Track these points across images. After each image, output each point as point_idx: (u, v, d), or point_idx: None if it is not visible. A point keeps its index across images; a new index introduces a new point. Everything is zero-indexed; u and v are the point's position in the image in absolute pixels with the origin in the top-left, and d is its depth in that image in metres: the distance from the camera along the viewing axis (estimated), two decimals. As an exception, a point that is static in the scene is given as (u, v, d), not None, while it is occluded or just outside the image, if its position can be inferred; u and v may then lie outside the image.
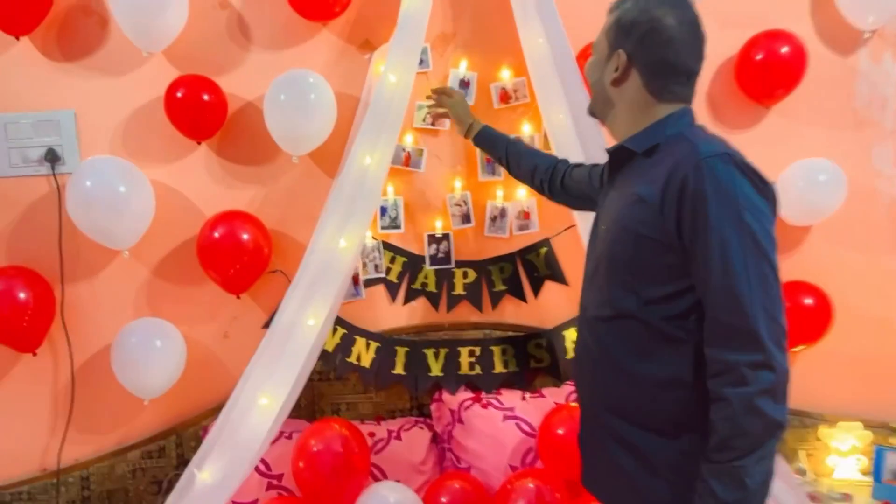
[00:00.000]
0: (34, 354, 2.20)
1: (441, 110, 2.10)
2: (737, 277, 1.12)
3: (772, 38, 2.21)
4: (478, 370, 2.34)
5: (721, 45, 2.30)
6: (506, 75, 2.30)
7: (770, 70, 2.20)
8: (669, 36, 1.24)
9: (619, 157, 1.36)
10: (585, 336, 1.40)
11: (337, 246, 1.97)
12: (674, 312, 1.22)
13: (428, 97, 2.12)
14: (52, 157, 2.22)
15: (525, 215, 2.36)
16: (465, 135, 2.04)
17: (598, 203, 1.46)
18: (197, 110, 2.14)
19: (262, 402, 1.90)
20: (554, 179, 1.85)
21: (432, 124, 2.28)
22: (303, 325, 1.94)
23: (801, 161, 2.29)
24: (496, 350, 2.35)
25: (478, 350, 2.34)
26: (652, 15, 1.25)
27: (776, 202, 1.19)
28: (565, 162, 1.88)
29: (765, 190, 1.17)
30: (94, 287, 2.28)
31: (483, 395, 2.30)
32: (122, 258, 2.21)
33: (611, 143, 1.40)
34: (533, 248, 2.37)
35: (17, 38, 2.15)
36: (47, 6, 2.13)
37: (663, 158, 1.24)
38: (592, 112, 1.41)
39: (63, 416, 2.28)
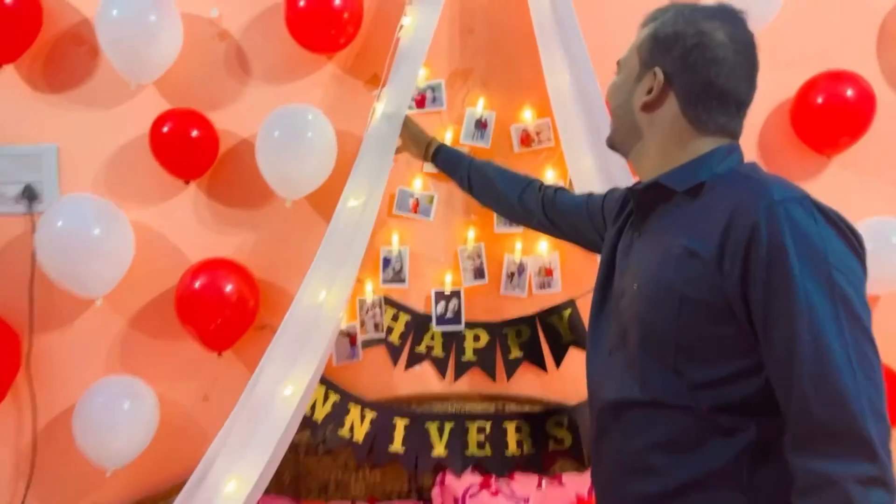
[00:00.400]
0: (-7, 411, 1.98)
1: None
2: (834, 360, 0.86)
3: (834, 79, 1.93)
4: (488, 450, 2.03)
5: (774, 86, 2.03)
6: (528, 116, 2.07)
7: (832, 115, 1.91)
8: (719, 55, 1.02)
9: (651, 197, 1.09)
10: (605, 424, 1.12)
11: (323, 301, 1.72)
12: (731, 400, 0.96)
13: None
14: (29, 194, 2.04)
15: (547, 272, 2.08)
16: (424, 157, 1.83)
17: (614, 252, 1.19)
18: (184, 147, 1.94)
19: (230, 487, 1.63)
20: (525, 197, 1.62)
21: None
22: (279, 394, 1.68)
23: (868, 220, 1.98)
24: (510, 427, 2.04)
25: (488, 426, 2.04)
26: (699, 28, 1.03)
27: (865, 258, 0.94)
28: (540, 183, 1.65)
29: (855, 243, 0.92)
30: (66, 338, 2.06)
31: (493, 479, 1.99)
32: (97, 307, 2.00)
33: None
34: (555, 311, 2.08)
35: (0, 66, 2.00)
36: (34, 33, 1.99)
37: (716, 201, 0.99)
38: (612, 143, 1.19)
39: (23, 481, 2.04)
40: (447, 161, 1.79)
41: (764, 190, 0.94)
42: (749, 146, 2.04)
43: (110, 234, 1.91)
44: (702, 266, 0.96)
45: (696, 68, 1.03)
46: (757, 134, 2.05)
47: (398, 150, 1.86)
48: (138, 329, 2.07)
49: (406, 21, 1.83)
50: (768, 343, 0.92)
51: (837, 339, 0.86)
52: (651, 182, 1.08)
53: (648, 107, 1.08)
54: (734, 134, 1.08)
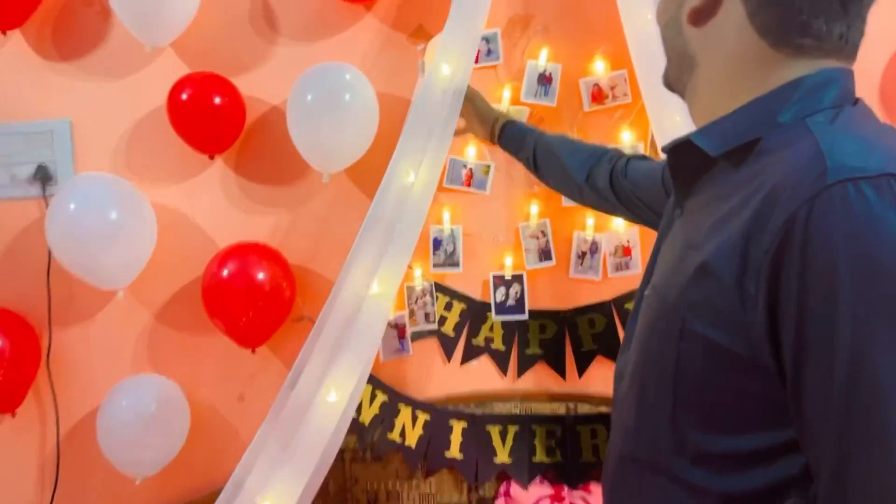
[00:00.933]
0: (13, 416, 1.81)
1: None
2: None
3: None
4: (558, 457, 1.77)
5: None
6: (599, 68, 1.76)
7: None
8: None
9: (684, 162, 0.77)
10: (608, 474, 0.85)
11: (367, 292, 1.48)
12: (751, 488, 0.67)
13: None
14: (42, 175, 1.84)
15: (625, 251, 1.79)
16: (490, 137, 1.53)
17: (659, 230, 0.89)
18: (206, 116, 1.71)
19: (266, 504, 1.41)
20: (594, 174, 1.31)
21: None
22: (322, 400, 1.44)
23: None
24: (583, 431, 1.77)
25: (558, 430, 1.78)
26: None
27: None
28: (617, 153, 1.33)
29: None
30: (88, 334, 1.87)
31: (565, 490, 1.73)
32: (119, 300, 1.81)
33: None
34: (634, 296, 1.79)
35: (4, 33, 1.80)
36: (39, -6, 1.78)
37: (763, 169, 0.65)
38: (668, 81, 0.84)
39: (48, 491, 1.87)
40: (513, 138, 1.49)
41: (819, 157, 0.59)
42: (869, 95, 1.70)
43: (130, 218, 1.70)
44: (716, 288, 0.64)
45: None
46: (878, 81, 1.70)
47: (460, 132, 1.60)
48: (165, 323, 1.87)
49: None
50: (803, 410, 0.61)
51: None
52: (680, 140, 0.75)
53: (697, 16, 0.73)
54: (841, 49, 0.68)
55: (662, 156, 1.60)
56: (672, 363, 0.70)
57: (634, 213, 1.26)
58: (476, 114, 1.54)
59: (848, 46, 0.69)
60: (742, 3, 0.69)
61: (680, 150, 0.76)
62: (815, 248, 0.56)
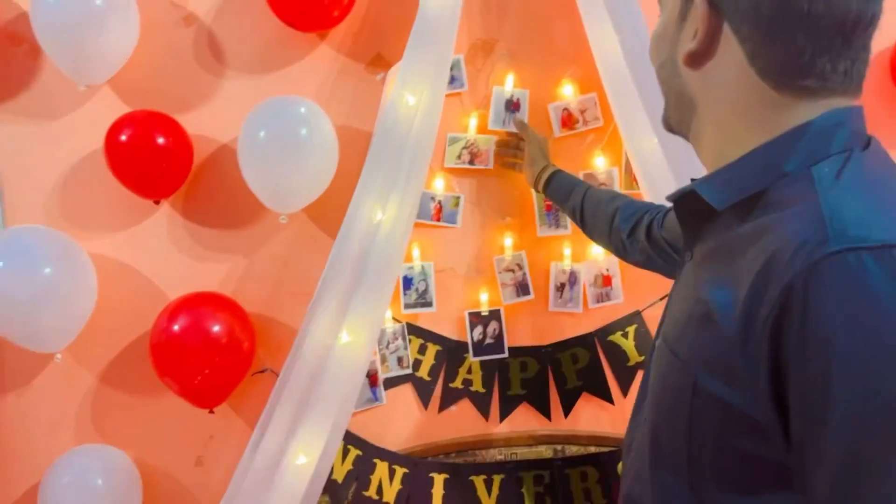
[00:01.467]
0: (-61, 499, 1.61)
1: (511, 159, 1.65)
2: None
3: None
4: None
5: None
6: (568, 92, 1.69)
7: None
8: None
9: (690, 210, 0.73)
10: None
11: (337, 341, 1.35)
12: None
13: (501, 141, 1.67)
14: (-33, 229, 1.67)
15: (605, 281, 1.70)
16: (535, 185, 1.53)
17: (675, 277, 0.85)
18: (150, 158, 1.57)
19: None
20: (636, 229, 1.24)
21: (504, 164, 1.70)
22: (289, 464, 1.30)
23: None
24: (573, 474, 1.66)
25: (546, 475, 1.66)
26: None
27: None
28: (659, 207, 1.26)
29: None
30: (25, 403, 1.69)
31: (558, 540, 1.62)
32: (57, 363, 1.64)
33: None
34: (618, 327, 1.71)
35: (-81, 77, 1.64)
36: (-41, 33, 1.62)
37: (768, 227, 0.61)
38: (668, 123, 0.79)
39: (-18, 581, 1.67)
40: (560, 188, 1.49)
41: (823, 222, 0.56)
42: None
43: (66, 273, 1.55)
44: (726, 347, 0.61)
45: None
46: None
47: (513, 166, 1.66)
48: (111, 385, 1.70)
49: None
50: (804, 477, 0.58)
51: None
52: (684, 191, 0.71)
53: (694, 59, 0.69)
54: (847, 87, 0.64)
55: (644, 185, 1.55)
56: (685, 419, 0.66)
57: (671, 264, 1.16)
58: (532, 157, 1.56)
59: (854, 82, 0.65)
60: (740, 45, 0.65)
61: (685, 199, 0.72)
62: (813, 321, 0.54)
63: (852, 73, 0.64)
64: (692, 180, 0.72)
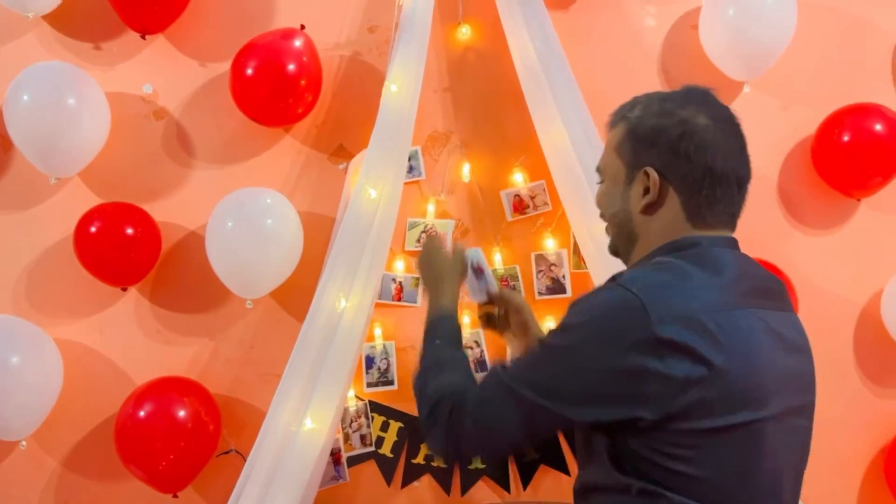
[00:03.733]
0: None
1: (491, 311, 1.32)
2: None
3: (859, 113, 1.73)
4: (510, 579, 1.70)
5: (789, 125, 1.82)
6: (519, 179, 1.81)
7: (861, 153, 1.70)
8: (707, 138, 0.93)
9: None
10: None
11: (301, 427, 1.40)
12: None
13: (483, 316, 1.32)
14: (-67, 319, 1.69)
15: (558, 357, 1.79)
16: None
17: None
18: (118, 249, 1.63)
19: None
20: None
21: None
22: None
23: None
24: (532, 548, 1.72)
25: (507, 550, 1.71)
26: (679, 117, 0.94)
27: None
28: None
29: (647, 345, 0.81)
30: (-14, 490, 1.69)
31: None
32: (21, 450, 1.65)
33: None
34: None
35: None
36: (-68, 128, 1.68)
37: None
38: (616, 251, 1.05)
39: None
40: None
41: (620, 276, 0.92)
42: (768, 194, 1.82)
43: (31, 361, 1.58)
44: None
45: (689, 157, 0.92)
46: (776, 180, 1.83)
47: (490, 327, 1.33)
48: (74, 471, 1.72)
49: (393, 87, 1.58)
50: None
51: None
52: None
53: (650, 208, 0.96)
54: (732, 223, 0.97)
55: (590, 266, 1.66)
56: None
57: None
58: (521, 327, 1.28)
59: (735, 220, 0.97)
60: (678, 196, 0.94)
61: None
62: None
63: (739, 209, 0.97)
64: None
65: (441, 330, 1.13)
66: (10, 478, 1.70)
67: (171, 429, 1.57)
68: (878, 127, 1.70)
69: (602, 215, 1.04)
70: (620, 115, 1.01)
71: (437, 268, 1.24)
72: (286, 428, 1.42)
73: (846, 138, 1.71)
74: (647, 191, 0.95)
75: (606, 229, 1.04)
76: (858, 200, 1.81)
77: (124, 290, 1.72)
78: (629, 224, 0.98)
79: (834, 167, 1.76)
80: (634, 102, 1.01)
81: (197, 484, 1.68)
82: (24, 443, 1.62)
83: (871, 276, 1.80)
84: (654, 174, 0.94)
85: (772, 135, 1.82)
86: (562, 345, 0.89)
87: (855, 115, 1.73)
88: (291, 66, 1.64)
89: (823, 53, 1.82)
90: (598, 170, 1.04)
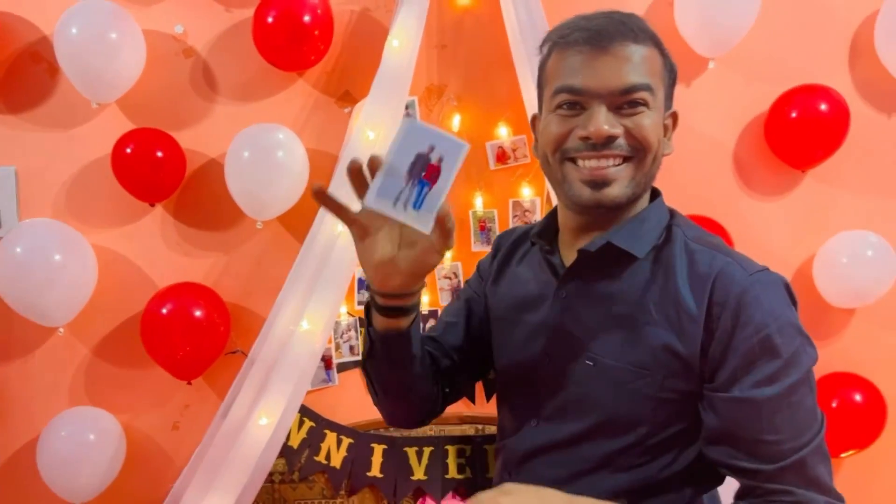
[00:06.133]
0: (-50, 446, 1.89)
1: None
2: None
3: (808, 93, 1.93)
4: (468, 473, 1.98)
5: (748, 100, 2.02)
6: (503, 132, 2.03)
7: (807, 129, 1.91)
8: None
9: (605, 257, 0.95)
10: None
11: (298, 328, 1.67)
12: None
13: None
14: (-14, 219, 1.95)
15: (525, 291, 2.04)
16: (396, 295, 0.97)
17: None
18: (149, 168, 1.87)
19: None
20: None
21: None
22: (253, 424, 1.62)
23: (843, 233, 1.97)
24: (490, 449, 2.00)
25: (468, 449, 2.00)
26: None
27: None
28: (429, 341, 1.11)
29: None
30: (27, 369, 1.98)
31: (474, 503, 1.95)
32: (59, 336, 1.92)
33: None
34: (534, 329, 2.05)
35: (-47, 87, 1.92)
36: (-11, 52, 1.91)
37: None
38: (627, 199, 0.92)
39: (-19, 520, 1.95)
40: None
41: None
42: (724, 161, 2.04)
43: (71, 260, 1.84)
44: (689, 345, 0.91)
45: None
46: (732, 149, 2.04)
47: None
48: (103, 358, 1.99)
49: (395, 42, 1.78)
50: None
51: None
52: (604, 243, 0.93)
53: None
54: None
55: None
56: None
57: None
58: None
59: None
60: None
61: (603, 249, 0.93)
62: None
63: None
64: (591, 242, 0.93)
65: None
66: (48, 360, 1.98)
67: (188, 326, 1.84)
68: (823, 106, 1.90)
69: (643, 147, 0.89)
70: (646, 31, 0.90)
71: None
72: (285, 328, 1.69)
73: (794, 115, 1.92)
74: (666, 133, 0.94)
75: (623, 170, 0.90)
76: (803, 172, 2.03)
77: (152, 205, 1.97)
78: (656, 166, 0.93)
79: (782, 141, 1.97)
80: (641, 21, 0.90)
81: (207, 375, 1.96)
82: (61, 329, 1.89)
83: (808, 241, 2.02)
84: (676, 116, 0.95)
85: (732, 108, 2.02)
86: (803, 378, 0.86)
87: (804, 95, 1.92)
88: (307, 17, 1.85)
89: (784, 35, 2.00)
90: (641, 87, 0.87)
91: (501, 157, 2.04)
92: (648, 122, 0.89)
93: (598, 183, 0.90)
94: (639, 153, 0.90)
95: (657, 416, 0.90)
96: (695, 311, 0.88)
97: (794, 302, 0.90)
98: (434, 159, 0.75)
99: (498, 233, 2.04)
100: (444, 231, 0.78)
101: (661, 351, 0.89)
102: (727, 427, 0.87)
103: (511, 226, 2.04)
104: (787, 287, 0.91)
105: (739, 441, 0.86)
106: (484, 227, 2.04)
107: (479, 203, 2.04)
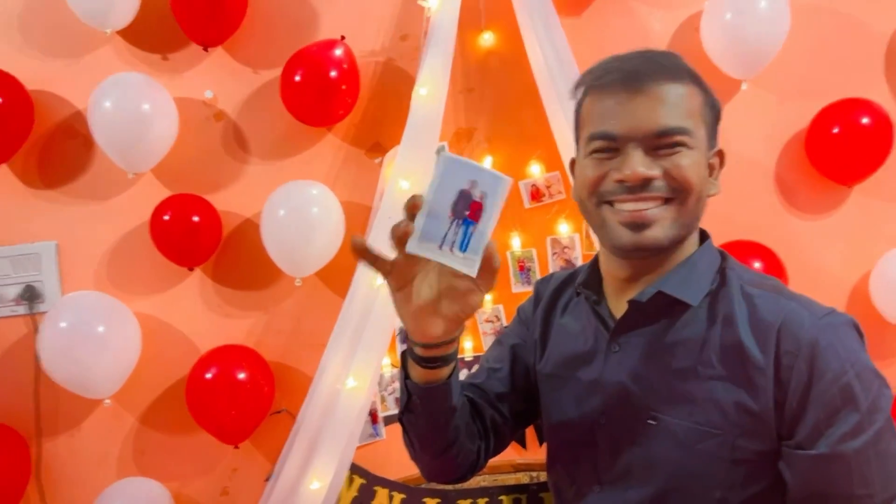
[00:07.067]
0: (3, 527, 1.87)
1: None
2: None
3: (849, 107, 1.87)
4: (527, 524, 1.91)
5: (784, 119, 1.97)
6: (536, 170, 2.01)
7: (851, 144, 1.85)
8: None
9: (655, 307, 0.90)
10: None
11: (344, 386, 1.64)
12: None
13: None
14: (30, 294, 1.97)
15: (570, 330, 1.99)
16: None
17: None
18: (186, 234, 1.88)
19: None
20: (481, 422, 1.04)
21: None
22: (305, 489, 1.58)
23: (897, 249, 1.90)
24: (547, 498, 1.93)
25: (523, 499, 1.92)
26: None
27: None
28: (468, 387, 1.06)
29: None
30: (75, 442, 1.97)
31: (535, 555, 1.87)
32: (105, 407, 1.92)
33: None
34: (583, 369, 1.99)
35: (-7, 168, 1.96)
36: (27, 130, 1.95)
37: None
38: (672, 243, 0.89)
39: None
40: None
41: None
42: (766, 183, 1.98)
43: (115, 331, 1.85)
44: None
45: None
46: (773, 169, 1.99)
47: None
48: (149, 426, 1.98)
49: (423, 91, 1.78)
50: None
51: None
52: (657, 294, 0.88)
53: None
54: None
55: (595, 247, 1.85)
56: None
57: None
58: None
59: None
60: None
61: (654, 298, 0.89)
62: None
63: None
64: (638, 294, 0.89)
65: None
66: (95, 431, 1.97)
67: (233, 389, 1.82)
68: (866, 120, 1.85)
69: (683, 189, 0.85)
70: (683, 69, 0.87)
71: None
72: (332, 386, 1.66)
73: (836, 130, 1.86)
74: (712, 172, 0.90)
75: (664, 211, 0.85)
76: (849, 187, 1.96)
77: (191, 269, 1.97)
78: (701, 207, 0.89)
79: (826, 157, 1.91)
80: (678, 59, 0.89)
81: (254, 438, 1.93)
82: (108, 401, 1.89)
83: (861, 258, 1.95)
84: (721, 156, 0.92)
85: (769, 128, 1.98)
86: (886, 424, 0.81)
87: (845, 109, 1.87)
88: (333, 73, 1.86)
89: (816, 52, 1.96)
90: (677, 131, 0.84)
91: (536, 195, 2.01)
92: (688, 161, 0.85)
93: (638, 225, 0.86)
94: (680, 194, 0.86)
95: (731, 479, 0.84)
96: (762, 363, 0.83)
97: (863, 341, 0.86)
98: (477, 196, 0.71)
99: (538, 272, 2.01)
100: (489, 271, 0.74)
101: (730, 408, 0.83)
102: (816, 486, 0.82)
103: (550, 263, 2.00)
104: (857, 327, 0.86)
105: (829, 499, 0.82)
106: (523, 268, 2.00)
107: (516, 243, 2.01)
